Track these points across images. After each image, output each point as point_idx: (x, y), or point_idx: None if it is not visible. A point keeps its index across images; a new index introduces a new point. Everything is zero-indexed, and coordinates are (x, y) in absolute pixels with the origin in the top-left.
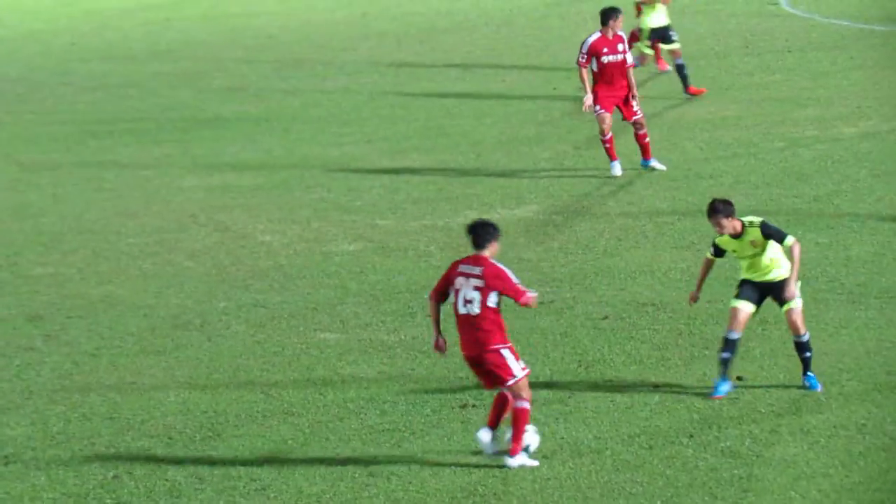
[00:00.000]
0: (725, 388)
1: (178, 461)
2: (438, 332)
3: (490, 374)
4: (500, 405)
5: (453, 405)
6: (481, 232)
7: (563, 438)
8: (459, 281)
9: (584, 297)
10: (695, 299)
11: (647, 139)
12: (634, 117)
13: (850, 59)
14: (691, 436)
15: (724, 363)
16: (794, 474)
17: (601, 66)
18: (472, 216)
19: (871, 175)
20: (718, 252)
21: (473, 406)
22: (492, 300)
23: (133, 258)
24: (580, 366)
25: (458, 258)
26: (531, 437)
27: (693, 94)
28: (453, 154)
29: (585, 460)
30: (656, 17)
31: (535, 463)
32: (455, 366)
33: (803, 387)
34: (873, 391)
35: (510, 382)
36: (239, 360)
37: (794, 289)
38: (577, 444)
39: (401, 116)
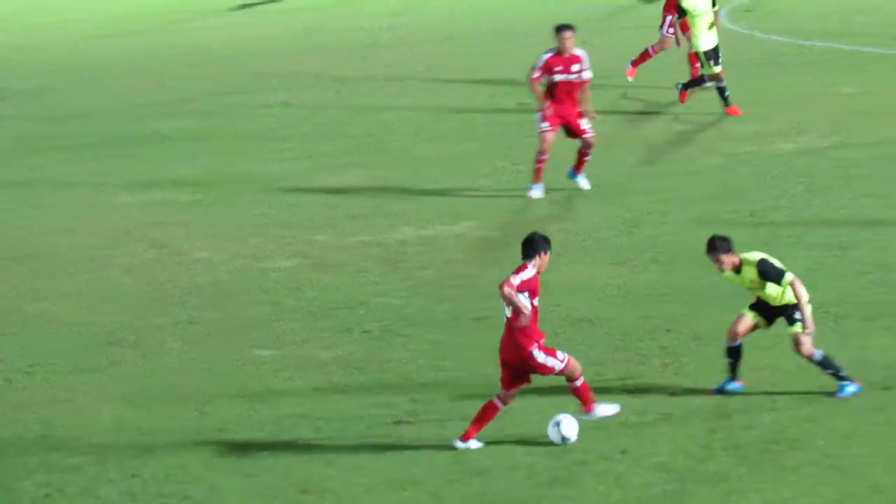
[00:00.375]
0: (730, 386)
1: (111, 479)
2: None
3: (526, 374)
4: (483, 416)
5: (387, 421)
6: (527, 243)
7: (496, 453)
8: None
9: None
10: None
11: (588, 158)
12: (585, 135)
13: (788, 76)
14: (624, 451)
15: (730, 367)
16: (727, 489)
17: (552, 83)
18: (410, 232)
19: (808, 190)
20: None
21: (408, 423)
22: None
23: (68, 275)
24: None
25: (394, 274)
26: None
27: (731, 114)
28: (392, 170)
29: (519, 475)
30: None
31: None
32: (389, 382)
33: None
34: (805, 406)
35: (556, 373)
36: (173, 376)
37: (808, 321)
38: (510, 460)
39: (341, 132)
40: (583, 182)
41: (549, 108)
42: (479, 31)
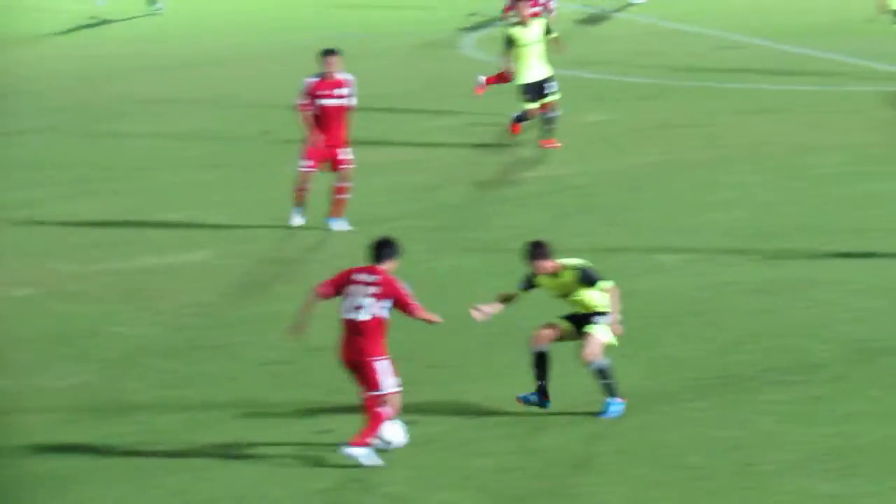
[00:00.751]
0: (531, 399)
1: None
2: (304, 320)
3: (363, 380)
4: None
5: (118, 453)
6: (382, 247)
7: (225, 485)
8: (351, 289)
9: (256, 342)
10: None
11: (345, 195)
12: (342, 166)
13: None
14: (358, 480)
15: (536, 377)
16: None
17: (319, 109)
18: (150, 261)
19: (552, 218)
20: (528, 286)
21: (144, 452)
22: (383, 309)
23: None
24: (247, 412)
25: (132, 302)
26: (393, 433)
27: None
28: (132, 197)
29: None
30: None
31: (378, 462)
32: (126, 412)
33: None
34: (542, 435)
35: (375, 393)
36: None
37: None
38: (240, 492)
39: (81, 159)
40: (339, 225)
41: (316, 138)
42: (225, 57)
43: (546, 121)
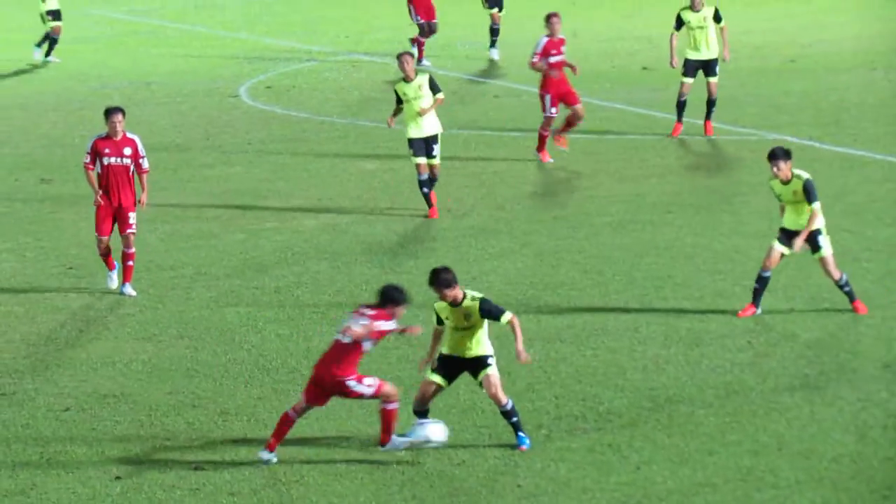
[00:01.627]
0: (400, 442)
1: None
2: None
3: (333, 395)
4: (281, 429)
5: None
6: (385, 293)
7: None
8: (351, 315)
9: (45, 389)
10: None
11: (132, 262)
12: (129, 230)
13: (310, 152)
14: None
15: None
16: None
17: (103, 168)
18: None
19: (331, 267)
20: (440, 320)
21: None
22: (365, 344)
23: None
24: (42, 458)
25: None
26: (432, 430)
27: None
28: None
29: None
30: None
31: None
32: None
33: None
34: (328, 484)
35: (366, 400)
36: None
37: (524, 353)
38: None
39: None
40: (130, 291)
41: (99, 200)
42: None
43: (422, 183)
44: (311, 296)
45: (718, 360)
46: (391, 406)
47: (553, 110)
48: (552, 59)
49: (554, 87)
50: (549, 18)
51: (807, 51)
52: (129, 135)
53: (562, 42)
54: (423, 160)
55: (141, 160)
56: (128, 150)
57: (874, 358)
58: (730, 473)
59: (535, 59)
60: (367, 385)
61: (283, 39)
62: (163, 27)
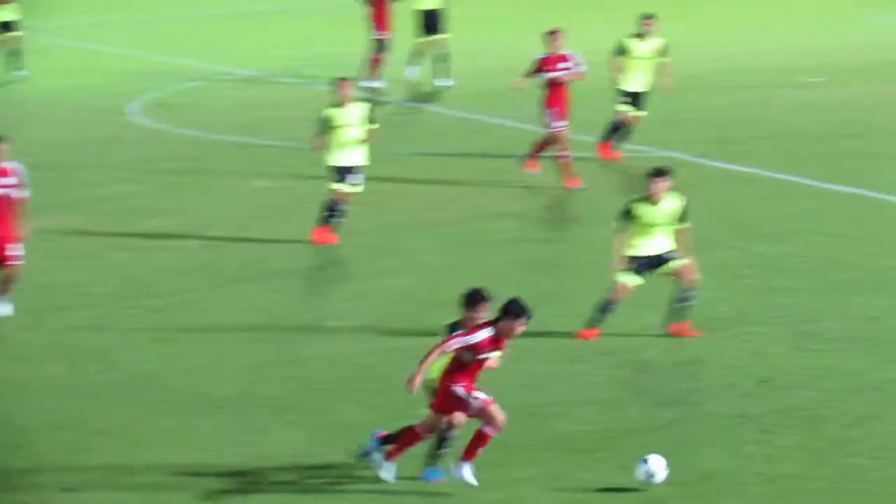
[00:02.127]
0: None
1: None
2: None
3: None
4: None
5: None
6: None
7: None
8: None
9: None
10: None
11: (10, 284)
12: (10, 262)
13: (200, 170)
14: None
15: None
16: None
17: None
18: None
19: (213, 286)
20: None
21: None
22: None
23: None
24: None
25: None
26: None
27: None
28: None
29: None
30: None
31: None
32: None
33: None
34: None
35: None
36: None
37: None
38: None
39: None
40: (4, 308)
41: None
42: None
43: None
44: (191, 315)
45: (597, 376)
46: (488, 430)
47: (558, 125)
48: (550, 75)
49: (560, 101)
50: (547, 35)
51: (709, 67)
52: (9, 164)
53: (562, 58)
54: (345, 187)
55: (20, 189)
56: (10, 180)
57: (750, 374)
58: (602, 489)
59: (519, 79)
60: (475, 398)
61: (178, 57)
62: (57, 44)
